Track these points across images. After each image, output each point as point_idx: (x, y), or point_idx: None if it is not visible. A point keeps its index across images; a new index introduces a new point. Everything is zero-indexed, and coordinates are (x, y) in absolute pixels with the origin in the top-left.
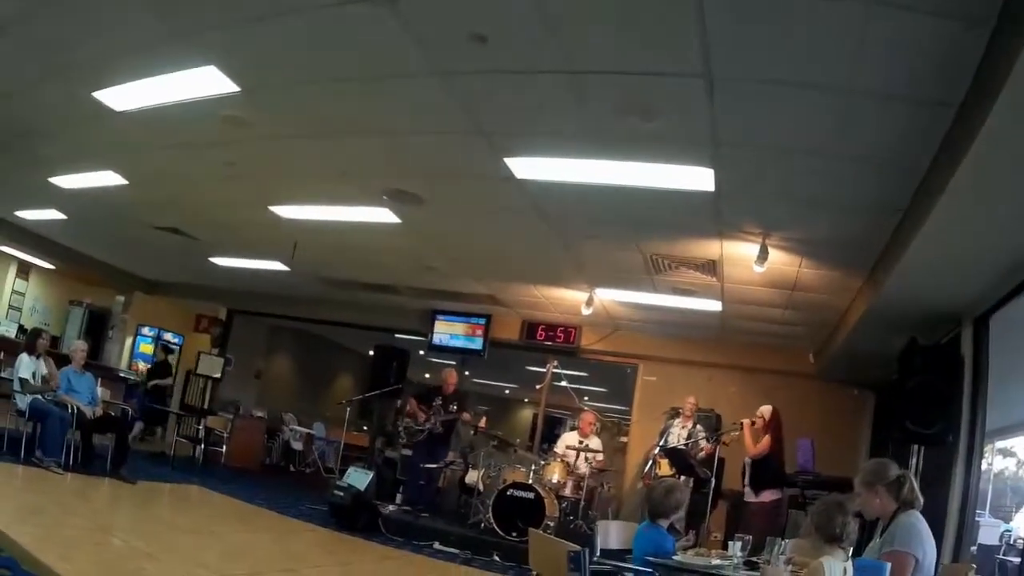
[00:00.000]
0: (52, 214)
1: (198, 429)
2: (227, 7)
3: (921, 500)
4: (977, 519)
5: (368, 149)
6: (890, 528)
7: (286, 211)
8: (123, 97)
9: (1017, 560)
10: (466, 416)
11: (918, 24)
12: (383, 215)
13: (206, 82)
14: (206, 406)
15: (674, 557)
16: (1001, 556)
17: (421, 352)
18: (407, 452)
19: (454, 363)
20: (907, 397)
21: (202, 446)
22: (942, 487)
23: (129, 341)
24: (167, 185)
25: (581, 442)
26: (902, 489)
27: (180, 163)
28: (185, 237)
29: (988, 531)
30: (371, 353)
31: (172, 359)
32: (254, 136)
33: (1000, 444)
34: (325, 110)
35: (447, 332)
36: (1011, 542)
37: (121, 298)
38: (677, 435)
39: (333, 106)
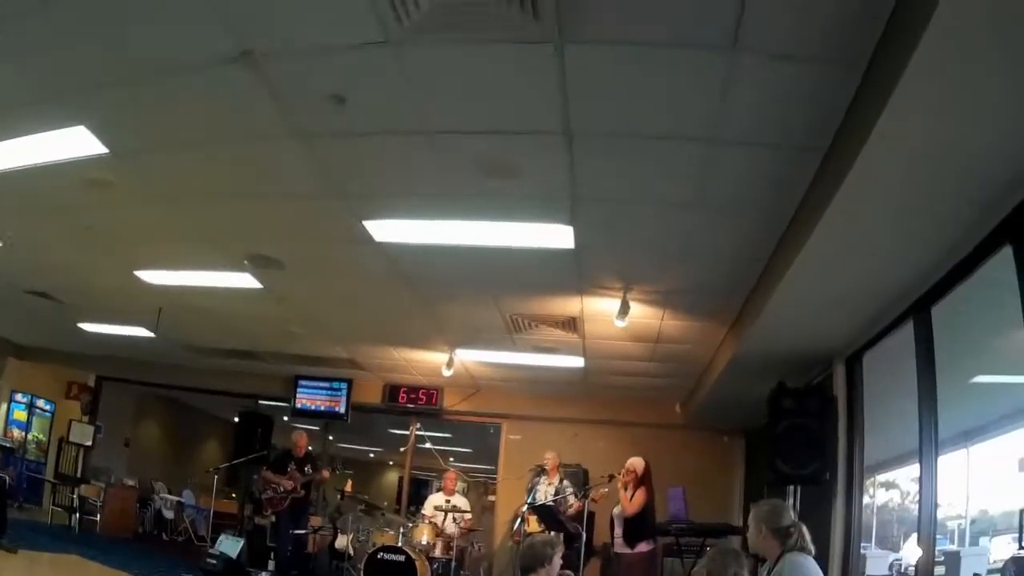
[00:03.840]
0: None
1: (72, 498)
2: (99, 66)
3: (812, 549)
4: (864, 551)
5: (230, 213)
6: (777, 568)
7: (151, 276)
8: None
9: None
10: (325, 474)
11: (783, 71)
12: (245, 280)
13: (75, 143)
14: (79, 474)
15: None
16: None
17: (285, 418)
18: (272, 519)
19: (317, 427)
20: (778, 440)
21: (77, 515)
22: (822, 524)
23: (3, 408)
24: (34, 249)
25: (447, 501)
26: (789, 539)
27: (43, 227)
28: (53, 302)
29: (876, 562)
30: (236, 420)
31: None
32: (118, 199)
33: (883, 477)
34: (188, 173)
35: (310, 397)
36: (902, 571)
37: None
38: (544, 492)
39: (196, 169)
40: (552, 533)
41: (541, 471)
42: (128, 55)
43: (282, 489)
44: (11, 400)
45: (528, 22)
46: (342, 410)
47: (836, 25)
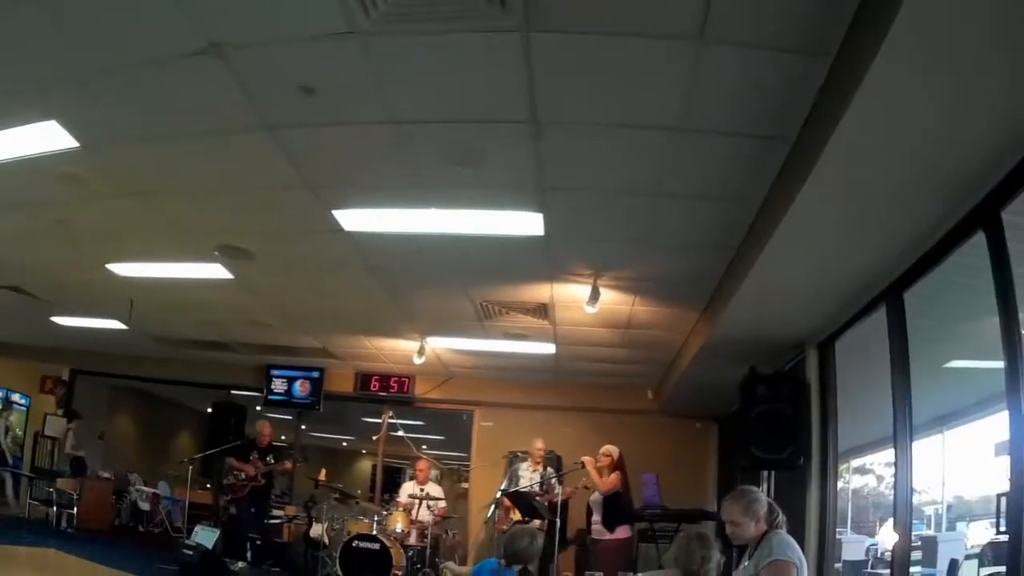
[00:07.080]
0: None
1: (50, 491)
2: (71, 60)
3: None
4: (839, 536)
5: (201, 205)
6: (763, 544)
7: (123, 269)
8: None
9: (886, 572)
10: (287, 465)
11: (751, 60)
12: (216, 271)
13: (47, 137)
14: (55, 468)
15: None
16: (869, 570)
17: (259, 407)
18: (232, 510)
19: (290, 417)
20: (752, 425)
21: (55, 508)
22: (797, 509)
23: None
24: (5, 244)
25: (421, 490)
26: (775, 514)
27: (15, 222)
28: (26, 296)
29: (852, 547)
30: (209, 411)
31: None
32: (90, 193)
33: (857, 462)
34: (159, 166)
35: (282, 387)
36: (878, 555)
37: None
38: (529, 479)
39: (167, 162)
40: (534, 521)
41: (517, 457)
42: (98, 49)
43: (243, 476)
44: None
45: (495, 11)
46: (315, 399)
47: (805, 13)
